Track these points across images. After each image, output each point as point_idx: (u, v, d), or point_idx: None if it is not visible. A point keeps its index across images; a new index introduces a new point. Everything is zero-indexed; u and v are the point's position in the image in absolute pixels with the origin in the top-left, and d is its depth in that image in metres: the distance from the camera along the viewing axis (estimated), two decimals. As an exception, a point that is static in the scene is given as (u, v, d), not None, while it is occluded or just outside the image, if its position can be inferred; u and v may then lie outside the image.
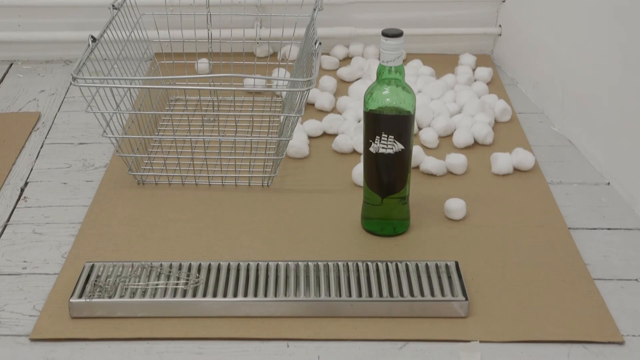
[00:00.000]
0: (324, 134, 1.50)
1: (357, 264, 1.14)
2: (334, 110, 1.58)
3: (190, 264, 1.13)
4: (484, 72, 1.69)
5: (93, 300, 1.07)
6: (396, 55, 1.12)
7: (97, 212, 1.29)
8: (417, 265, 1.13)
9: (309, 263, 1.14)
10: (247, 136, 1.47)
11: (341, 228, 1.25)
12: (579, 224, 1.27)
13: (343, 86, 1.67)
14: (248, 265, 1.14)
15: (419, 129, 1.50)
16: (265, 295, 1.08)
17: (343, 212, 1.28)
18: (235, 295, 1.08)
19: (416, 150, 1.37)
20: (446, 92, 1.58)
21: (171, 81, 1.62)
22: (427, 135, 1.46)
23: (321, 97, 1.58)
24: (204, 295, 1.08)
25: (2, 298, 1.12)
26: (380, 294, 1.08)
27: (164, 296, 1.08)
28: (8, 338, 1.06)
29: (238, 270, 1.13)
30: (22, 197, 1.34)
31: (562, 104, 1.53)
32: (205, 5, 1.62)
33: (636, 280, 1.16)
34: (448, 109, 1.53)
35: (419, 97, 1.56)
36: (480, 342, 1.04)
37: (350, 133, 1.46)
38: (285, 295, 1.08)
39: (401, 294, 1.08)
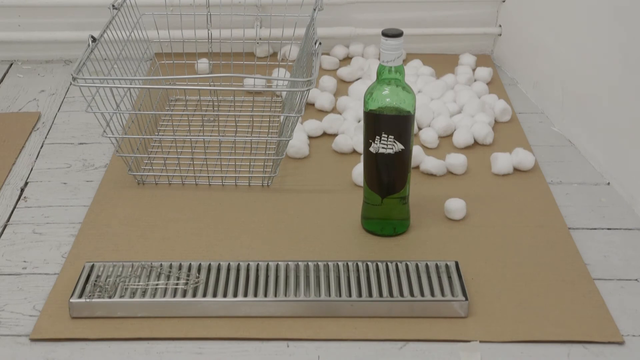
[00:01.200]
0: (324, 134, 1.50)
1: (357, 264, 1.14)
2: (334, 110, 1.58)
3: (190, 264, 1.13)
4: (484, 72, 1.69)
5: (93, 300, 1.07)
6: (396, 55, 1.12)
7: (97, 212, 1.29)
8: (417, 265, 1.13)
9: (309, 263, 1.14)
10: (247, 136, 1.47)
11: (341, 228, 1.25)
12: (579, 224, 1.27)
13: (343, 86, 1.67)
14: (248, 265, 1.14)
15: (419, 129, 1.50)
16: (265, 295, 1.08)
17: (343, 212, 1.28)
18: (235, 295, 1.08)
19: (416, 150, 1.37)
20: (446, 92, 1.58)
21: (171, 81, 1.62)
22: (427, 135, 1.46)
23: (321, 97, 1.58)
24: (204, 295, 1.08)
25: (2, 298, 1.12)
26: (380, 294, 1.08)
27: (164, 296, 1.08)
28: (8, 338, 1.05)
29: (238, 270, 1.13)
30: (22, 197, 1.34)
31: (562, 104, 1.53)
32: (205, 5, 1.62)
33: (636, 280, 1.16)
34: (448, 109, 1.53)
35: (419, 97, 1.56)
36: (480, 342, 1.04)
37: (350, 133, 1.46)
38: (285, 295, 1.08)
39: (401, 294, 1.08)
